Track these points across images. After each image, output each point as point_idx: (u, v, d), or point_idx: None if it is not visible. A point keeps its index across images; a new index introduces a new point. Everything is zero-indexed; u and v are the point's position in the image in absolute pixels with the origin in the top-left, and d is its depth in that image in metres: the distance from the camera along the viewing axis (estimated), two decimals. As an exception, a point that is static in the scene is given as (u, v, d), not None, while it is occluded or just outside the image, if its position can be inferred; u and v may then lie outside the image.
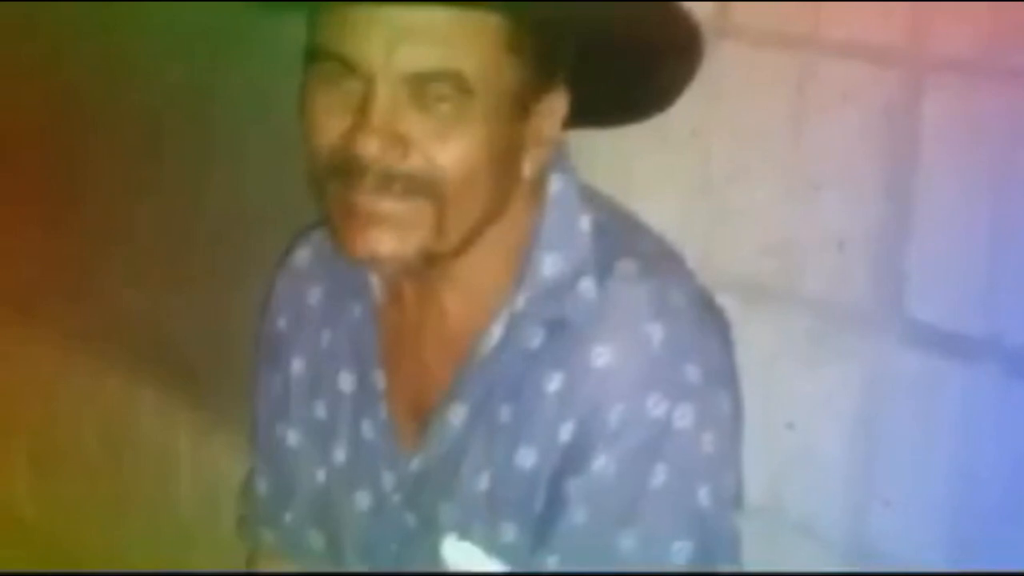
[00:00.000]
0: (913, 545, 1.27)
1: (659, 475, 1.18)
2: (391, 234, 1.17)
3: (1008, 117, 1.16)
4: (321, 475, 1.39)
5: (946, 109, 1.21)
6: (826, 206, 1.30)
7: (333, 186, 1.18)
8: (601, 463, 1.18)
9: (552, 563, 1.21)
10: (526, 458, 1.22)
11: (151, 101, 2.24)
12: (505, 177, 1.20)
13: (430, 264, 1.21)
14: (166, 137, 2.25)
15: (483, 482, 1.25)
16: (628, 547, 1.19)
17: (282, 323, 1.43)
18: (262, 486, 1.46)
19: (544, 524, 1.22)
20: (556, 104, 1.22)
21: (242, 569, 1.53)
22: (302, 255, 1.43)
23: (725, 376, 1.23)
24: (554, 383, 1.21)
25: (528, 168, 1.23)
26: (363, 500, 1.35)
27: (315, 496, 1.40)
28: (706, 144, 1.39)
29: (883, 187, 1.26)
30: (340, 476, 1.37)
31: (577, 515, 1.20)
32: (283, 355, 1.41)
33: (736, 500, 1.25)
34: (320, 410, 1.38)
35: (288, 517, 1.43)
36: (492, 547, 1.26)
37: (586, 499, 1.19)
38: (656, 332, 1.18)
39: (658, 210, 1.37)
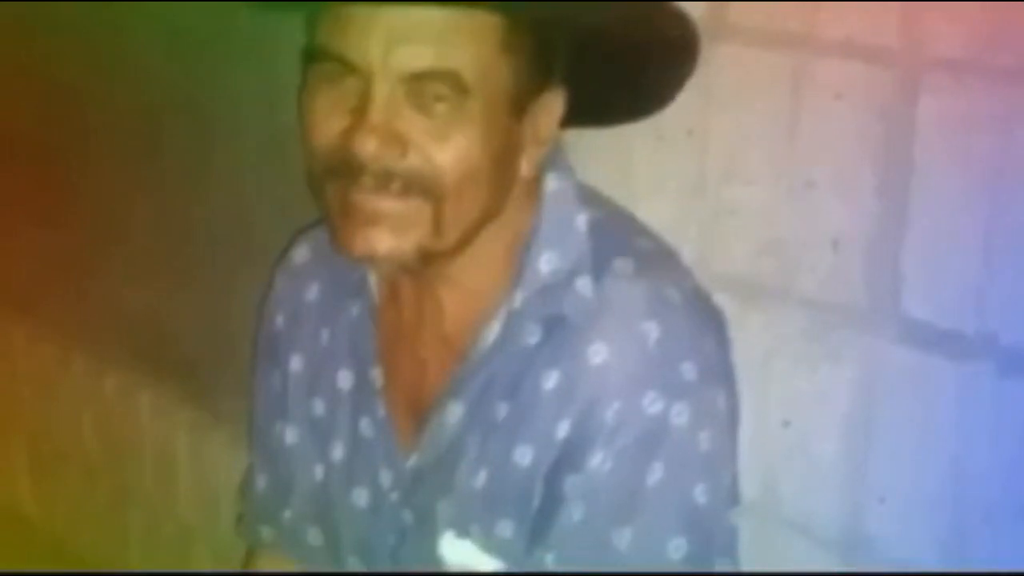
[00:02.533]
0: (908, 542, 1.27)
1: (655, 472, 1.19)
2: (389, 233, 1.18)
3: (1003, 116, 1.16)
4: (319, 472, 1.39)
5: (941, 108, 1.21)
6: (822, 205, 1.30)
7: (332, 185, 1.18)
8: (598, 460, 1.19)
9: (549, 560, 1.22)
10: (523, 455, 1.23)
11: (150, 101, 2.24)
12: (503, 176, 1.21)
13: (428, 263, 1.22)
14: (165, 136, 2.25)
15: (480, 479, 1.26)
16: (625, 544, 1.19)
17: (280, 321, 1.43)
18: (261, 484, 1.47)
19: (541, 521, 1.22)
20: (553, 103, 1.23)
21: (242, 569, 1.53)
22: (301, 253, 1.43)
23: (721, 374, 1.24)
24: (551, 381, 1.21)
25: (525, 167, 1.23)
26: (361, 498, 1.36)
27: (313, 494, 1.41)
28: (702, 144, 1.40)
29: (878, 186, 1.26)
30: (338, 474, 1.37)
31: (574, 512, 1.20)
32: (282, 353, 1.42)
33: (732, 497, 1.25)
34: (318, 408, 1.39)
35: (287, 514, 1.44)
36: (489, 544, 1.26)
37: (583, 496, 1.20)
38: (652, 330, 1.19)
39: (654, 209, 1.38)
